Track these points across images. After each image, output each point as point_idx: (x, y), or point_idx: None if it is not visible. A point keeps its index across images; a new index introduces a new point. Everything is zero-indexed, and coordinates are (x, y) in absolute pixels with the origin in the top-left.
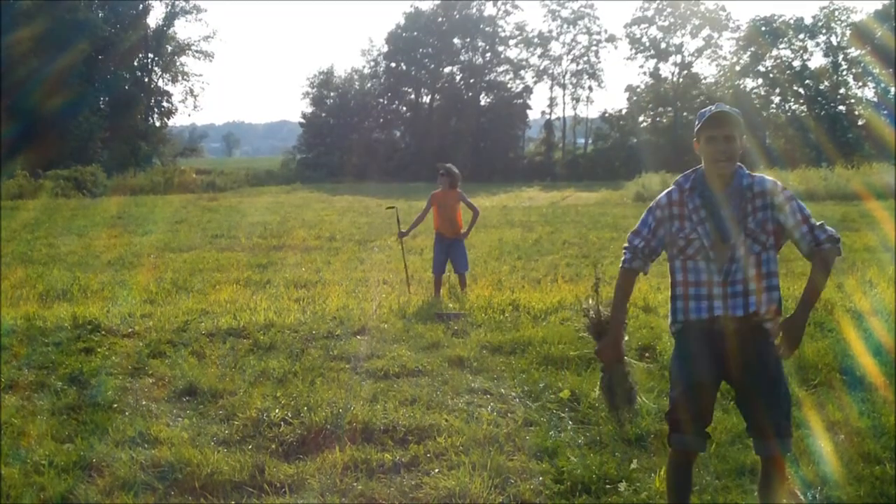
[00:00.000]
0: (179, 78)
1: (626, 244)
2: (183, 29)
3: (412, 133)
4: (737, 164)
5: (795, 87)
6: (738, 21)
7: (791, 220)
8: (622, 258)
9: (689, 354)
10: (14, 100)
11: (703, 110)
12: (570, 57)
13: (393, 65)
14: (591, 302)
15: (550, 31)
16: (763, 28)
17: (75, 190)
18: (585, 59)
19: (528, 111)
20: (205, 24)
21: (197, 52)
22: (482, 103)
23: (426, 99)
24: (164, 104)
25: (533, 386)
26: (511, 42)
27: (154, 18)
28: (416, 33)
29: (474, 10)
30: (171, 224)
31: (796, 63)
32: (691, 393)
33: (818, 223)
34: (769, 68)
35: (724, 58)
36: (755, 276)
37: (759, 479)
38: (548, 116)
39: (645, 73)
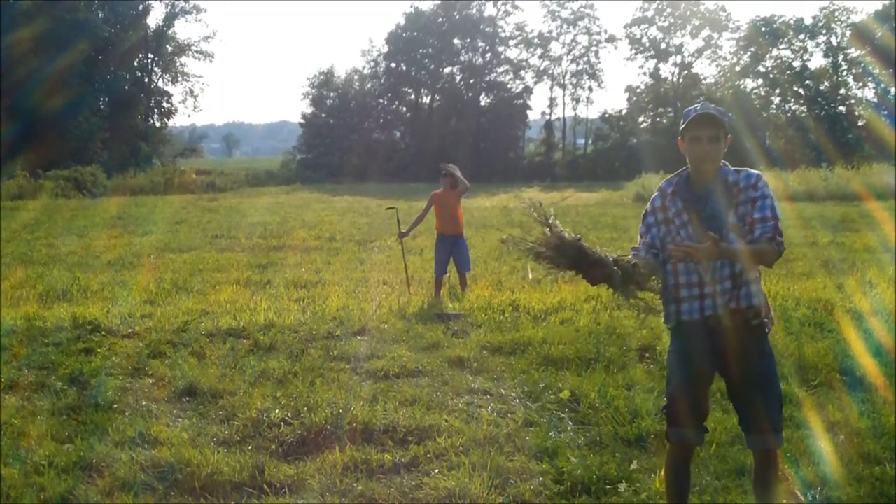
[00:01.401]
0: (179, 78)
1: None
2: (183, 29)
3: (412, 133)
4: (721, 163)
5: (795, 88)
6: (738, 21)
7: (758, 214)
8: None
9: (686, 347)
10: (14, 100)
11: (688, 109)
12: (570, 57)
13: (393, 65)
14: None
15: (550, 32)
16: (763, 28)
17: (75, 190)
18: (585, 59)
19: (528, 111)
20: (205, 25)
21: (197, 52)
22: (482, 104)
23: (426, 99)
24: (164, 104)
25: (533, 386)
26: (511, 42)
27: (154, 19)
28: (416, 34)
29: (474, 11)
30: (171, 224)
31: (796, 63)
32: (688, 385)
33: (779, 232)
34: (769, 69)
35: (724, 58)
36: (742, 270)
37: (754, 475)
38: (548, 117)
39: (645, 74)
